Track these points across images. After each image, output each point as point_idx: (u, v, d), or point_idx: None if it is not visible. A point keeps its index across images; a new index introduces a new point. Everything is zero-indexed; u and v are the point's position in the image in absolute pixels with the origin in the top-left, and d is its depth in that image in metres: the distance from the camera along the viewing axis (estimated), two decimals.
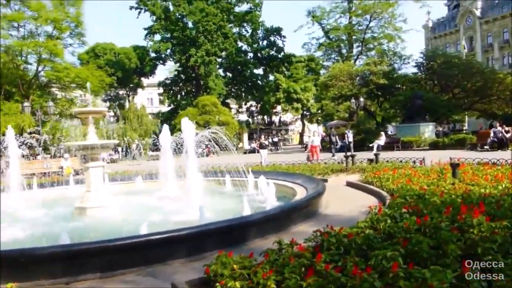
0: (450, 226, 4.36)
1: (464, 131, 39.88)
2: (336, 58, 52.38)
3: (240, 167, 11.79)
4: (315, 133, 28.92)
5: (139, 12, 51.84)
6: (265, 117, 65.69)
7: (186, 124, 9.33)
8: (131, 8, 51.85)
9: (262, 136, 31.11)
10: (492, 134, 22.63)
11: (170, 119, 46.80)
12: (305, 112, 54.40)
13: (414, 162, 13.79)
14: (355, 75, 37.63)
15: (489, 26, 57.51)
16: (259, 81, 59.14)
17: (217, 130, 10.83)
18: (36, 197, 10.82)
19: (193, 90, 55.83)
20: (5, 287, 4.00)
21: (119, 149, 35.62)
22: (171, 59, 56.63)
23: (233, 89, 59.89)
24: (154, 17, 51.70)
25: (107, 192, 9.43)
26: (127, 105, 51.36)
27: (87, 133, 8.91)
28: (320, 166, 15.01)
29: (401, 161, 14.27)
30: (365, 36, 48.83)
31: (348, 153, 17.06)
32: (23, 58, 29.35)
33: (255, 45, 57.98)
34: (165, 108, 59.52)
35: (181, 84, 57.89)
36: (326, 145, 30.19)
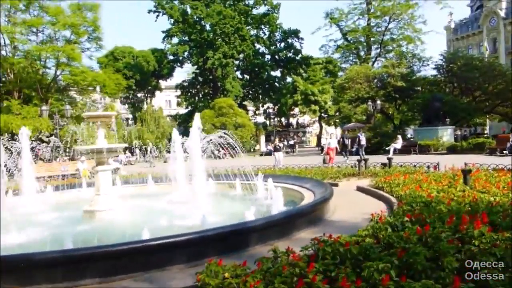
0: (451, 237, 4.25)
1: (485, 135, 39.04)
2: (354, 60, 51.95)
3: (250, 171, 11.74)
4: (332, 135, 28.70)
5: (157, 16, 52.56)
6: (283, 119, 65.57)
7: (194, 128, 9.37)
8: (149, 11, 52.57)
9: (277, 139, 30.94)
10: (511, 139, 22.06)
11: (187, 121, 47.10)
12: (322, 114, 54.08)
13: (428, 167, 13.53)
14: (372, 78, 37.23)
15: None
16: (276, 83, 59.10)
17: (226, 133, 10.82)
18: (49, 200, 10.99)
19: (210, 92, 56.16)
20: None
21: (137, 151, 35.98)
22: (189, 62, 57.10)
23: (250, 91, 60.00)
24: (172, 20, 52.27)
25: (117, 195, 9.52)
26: (145, 107, 51.96)
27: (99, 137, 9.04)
28: (332, 170, 14.86)
29: (414, 166, 14.03)
30: (383, 38, 48.27)
31: (362, 157, 16.87)
32: (41, 62, 29.99)
33: (273, 47, 57.98)
34: (182, 110, 59.98)
35: (198, 86, 58.32)
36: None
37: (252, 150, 48.79)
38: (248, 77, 59.11)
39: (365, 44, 50.69)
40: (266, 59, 58.39)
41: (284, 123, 67.50)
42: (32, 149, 12.36)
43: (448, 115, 33.15)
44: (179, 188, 10.59)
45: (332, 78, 53.89)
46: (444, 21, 70.10)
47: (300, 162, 19.01)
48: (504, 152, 21.65)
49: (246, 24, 54.16)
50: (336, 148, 24.50)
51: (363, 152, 25.19)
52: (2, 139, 12.14)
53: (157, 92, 62.69)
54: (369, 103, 35.29)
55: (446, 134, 30.92)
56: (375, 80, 37.54)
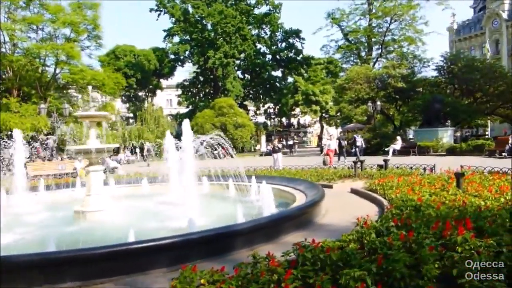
0: (435, 243, 4.16)
1: (486, 136, 38.84)
2: (355, 60, 51.75)
3: (244, 172, 11.69)
4: (332, 136, 28.63)
5: (159, 14, 52.53)
6: (284, 119, 65.45)
7: (186, 128, 9.33)
8: (151, 10, 52.55)
9: (276, 139, 30.83)
10: (510, 141, 21.91)
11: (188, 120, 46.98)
12: (323, 115, 53.95)
13: (424, 169, 13.43)
14: (372, 78, 37.07)
15: None
16: (277, 83, 58.99)
17: (218, 135, 10.77)
18: (41, 200, 10.96)
19: (211, 91, 56.09)
20: None
21: (137, 150, 35.95)
22: (190, 61, 57.04)
23: (251, 91, 59.91)
24: (173, 19, 52.22)
25: (108, 195, 9.47)
26: (146, 106, 51.97)
27: (97, 136, 9.00)
28: (328, 172, 14.78)
29: (411, 168, 13.93)
30: (385, 38, 48.02)
31: (360, 158, 16.78)
32: (41, 60, 29.91)
33: (274, 47, 57.87)
34: (183, 110, 59.96)
35: (199, 86, 58.26)
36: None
37: (252, 150, 48.73)
38: (249, 76, 59.04)
39: (366, 44, 50.46)
40: (267, 59, 58.28)
41: (285, 123, 67.39)
42: (30, 144, 12.33)
43: (448, 116, 33.01)
44: (172, 189, 10.56)
45: (333, 78, 53.73)
46: (447, 22, 69.83)
47: (298, 163, 18.93)
48: (503, 154, 21.51)
49: (248, 24, 54.05)
50: (335, 150, 24.49)
51: (359, 153, 25.19)
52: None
53: (158, 91, 62.67)
54: (369, 104, 35.15)
55: (446, 136, 30.77)
56: (376, 81, 37.35)
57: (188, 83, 58.24)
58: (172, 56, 56.64)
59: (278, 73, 60.11)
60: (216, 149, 11.22)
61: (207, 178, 12.66)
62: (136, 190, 12.72)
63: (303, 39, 57.30)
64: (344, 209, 8.82)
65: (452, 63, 36.30)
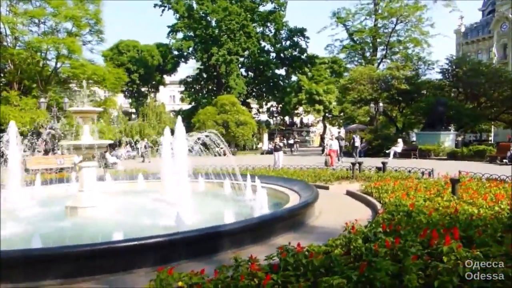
0: (421, 252, 4.07)
1: (489, 141, 38.58)
2: (359, 61, 51.49)
3: (241, 170, 11.63)
4: (333, 136, 28.52)
5: (163, 10, 52.36)
6: (287, 118, 65.29)
7: (179, 125, 9.27)
8: (155, 6, 52.42)
9: (277, 138, 30.71)
10: None
11: (190, 117, 47.01)
12: (327, 114, 53.82)
13: (422, 173, 13.33)
14: (376, 79, 36.85)
15: None
16: (280, 82, 58.77)
17: (212, 132, 10.71)
18: (36, 195, 10.93)
19: (214, 88, 55.98)
20: None
21: (139, 146, 35.95)
22: (193, 57, 56.87)
23: (254, 89, 59.71)
24: (177, 15, 52.09)
25: (102, 191, 9.43)
26: (148, 102, 51.97)
27: (92, 131, 8.97)
28: (326, 173, 14.70)
29: (409, 171, 13.83)
30: (390, 39, 47.69)
31: (357, 160, 16.69)
32: (42, 54, 29.86)
33: (278, 45, 57.63)
34: (186, 106, 59.93)
35: (202, 83, 58.12)
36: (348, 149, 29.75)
37: (254, 148, 48.67)
38: (252, 74, 58.86)
39: (371, 45, 50.16)
40: (271, 57, 58.01)
41: (288, 122, 67.24)
42: (26, 137, 12.25)
43: (452, 120, 32.76)
44: (167, 186, 10.50)
45: (337, 78, 53.54)
46: (454, 25, 69.33)
47: (298, 163, 18.82)
48: (504, 160, 21.29)
49: (252, 21, 53.82)
50: (337, 151, 24.36)
51: (357, 155, 25.11)
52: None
53: (161, 87, 62.60)
54: (372, 105, 34.97)
55: (448, 140, 30.55)
56: (379, 82, 37.13)
57: (191, 79, 58.11)
58: (175, 52, 56.47)
59: (281, 71, 59.89)
60: (210, 148, 11.15)
61: (204, 176, 12.60)
62: (131, 187, 12.69)
63: (308, 38, 57.00)
64: (338, 211, 8.74)
65: (457, 66, 36.01)
